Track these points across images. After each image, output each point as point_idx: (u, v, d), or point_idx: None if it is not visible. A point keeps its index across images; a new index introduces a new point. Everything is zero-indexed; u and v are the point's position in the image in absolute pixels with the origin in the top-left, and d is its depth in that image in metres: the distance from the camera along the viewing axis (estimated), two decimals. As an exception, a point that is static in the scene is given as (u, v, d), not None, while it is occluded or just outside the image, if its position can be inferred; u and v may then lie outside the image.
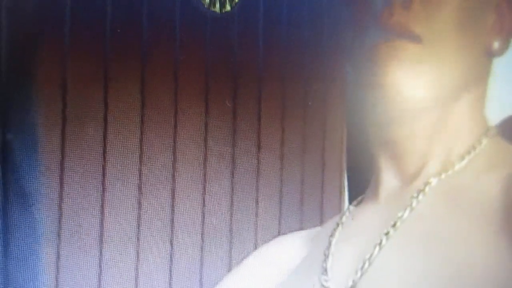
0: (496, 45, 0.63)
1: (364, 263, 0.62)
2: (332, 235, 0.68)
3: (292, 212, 1.01)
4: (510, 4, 0.64)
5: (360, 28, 0.62)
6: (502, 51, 0.64)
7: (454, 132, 0.63)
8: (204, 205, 0.95)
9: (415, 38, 0.59)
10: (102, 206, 0.87)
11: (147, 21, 0.90)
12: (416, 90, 0.60)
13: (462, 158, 0.63)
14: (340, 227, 0.69)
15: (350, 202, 0.77)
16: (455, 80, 0.62)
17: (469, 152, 0.63)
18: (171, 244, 0.92)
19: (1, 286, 0.81)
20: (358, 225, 0.68)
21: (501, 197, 0.57)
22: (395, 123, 0.63)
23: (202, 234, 0.94)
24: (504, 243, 0.54)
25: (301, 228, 1.00)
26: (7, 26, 0.81)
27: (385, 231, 0.62)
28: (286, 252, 0.74)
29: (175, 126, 0.93)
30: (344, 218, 0.70)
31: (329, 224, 0.73)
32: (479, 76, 0.64)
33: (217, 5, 0.95)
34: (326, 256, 0.66)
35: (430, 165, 0.64)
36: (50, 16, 0.85)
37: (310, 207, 1.02)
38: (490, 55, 0.64)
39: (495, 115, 0.64)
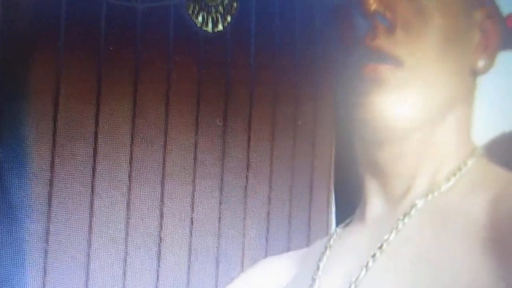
0: (481, 63, 0.64)
1: (350, 286, 0.61)
2: (320, 259, 0.68)
3: (280, 231, 1.01)
4: (493, 22, 0.64)
5: (346, 49, 0.63)
6: (487, 69, 0.64)
7: (440, 153, 0.63)
8: (192, 224, 0.95)
9: (397, 62, 0.60)
10: (90, 222, 0.87)
11: (140, 40, 0.91)
12: (401, 112, 0.61)
13: (448, 179, 0.63)
14: (328, 251, 0.68)
15: (337, 222, 0.77)
16: (440, 101, 0.62)
17: (454, 173, 0.63)
18: (158, 262, 0.92)
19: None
20: (345, 248, 0.67)
21: (487, 218, 0.57)
22: (381, 144, 0.63)
23: (190, 253, 0.94)
24: (490, 265, 0.54)
25: (288, 247, 1.00)
26: (0, 41, 0.82)
27: (372, 253, 0.62)
28: (273, 274, 0.74)
29: (165, 144, 0.93)
30: (332, 241, 0.70)
31: (317, 246, 0.73)
32: (464, 95, 0.64)
33: (210, 25, 0.96)
34: (313, 280, 0.66)
35: (416, 186, 0.64)
36: (43, 33, 0.85)
37: (298, 226, 1.02)
38: (475, 73, 0.64)
39: (481, 135, 0.65)
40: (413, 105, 0.61)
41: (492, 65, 0.64)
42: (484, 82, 0.64)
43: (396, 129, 0.62)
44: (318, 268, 0.67)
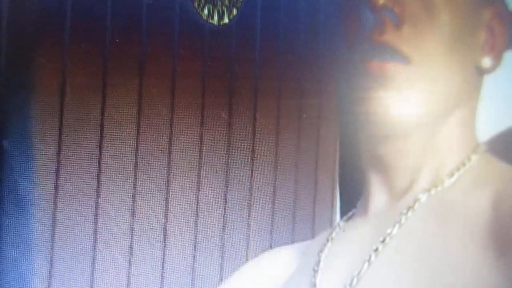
0: (487, 62, 0.64)
1: (352, 279, 0.62)
2: (321, 251, 0.68)
3: (284, 224, 1.01)
4: (501, 22, 0.64)
5: (352, 44, 0.63)
6: (493, 68, 0.64)
7: (444, 148, 0.64)
8: (197, 216, 0.95)
9: (404, 59, 0.60)
10: (96, 215, 0.88)
11: (146, 32, 0.91)
12: (405, 108, 0.61)
13: (451, 174, 0.63)
14: (330, 243, 0.69)
15: (342, 215, 0.77)
16: (445, 97, 0.62)
17: (458, 169, 0.63)
18: (164, 253, 0.93)
19: (-7, 291, 0.81)
20: (347, 241, 0.68)
21: (489, 214, 0.57)
22: (384, 139, 0.64)
23: (195, 244, 0.95)
24: (492, 260, 0.54)
25: (293, 240, 1.00)
26: (6, 34, 0.82)
27: (374, 247, 0.62)
28: (276, 265, 0.74)
29: (171, 136, 0.93)
30: (334, 234, 0.70)
31: (320, 239, 0.73)
32: (469, 93, 0.64)
33: (215, 18, 0.96)
34: (315, 272, 0.66)
35: (419, 181, 0.64)
36: (49, 25, 0.85)
37: (302, 219, 1.02)
38: (481, 72, 0.65)
39: (485, 131, 0.65)
40: (418, 102, 0.62)
41: (498, 64, 0.64)
42: (489, 79, 0.64)
43: (401, 125, 0.63)
44: (319, 260, 0.68)
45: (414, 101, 0.61)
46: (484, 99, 0.65)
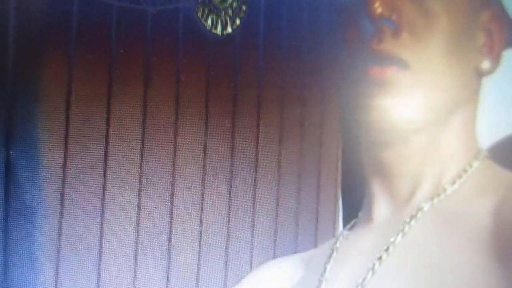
0: (486, 65, 0.64)
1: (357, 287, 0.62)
2: (327, 262, 0.68)
3: (287, 232, 1.01)
4: (499, 24, 0.64)
5: (352, 52, 0.63)
6: (492, 70, 0.64)
7: (445, 154, 0.63)
8: (201, 225, 0.95)
9: (403, 65, 0.60)
10: (101, 224, 0.88)
11: (150, 43, 0.92)
12: (406, 114, 0.61)
13: (453, 182, 0.63)
14: (335, 253, 0.69)
15: (344, 223, 0.77)
16: (445, 102, 0.62)
17: (460, 176, 0.63)
18: (168, 262, 0.93)
19: (0, 299, 0.82)
20: (352, 250, 0.68)
21: (492, 222, 0.57)
22: (386, 146, 0.64)
23: (199, 253, 0.95)
24: (494, 268, 0.54)
25: (296, 248, 1.00)
26: (12, 44, 0.83)
27: (378, 255, 0.62)
28: (280, 275, 0.74)
29: (175, 146, 0.94)
30: (338, 244, 0.70)
31: (324, 248, 0.73)
32: (469, 96, 0.64)
33: (219, 28, 0.97)
34: (320, 282, 0.66)
35: (422, 189, 0.64)
36: (55, 36, 0.86)
37: (305, 227, 1.03)
38: (480, 75, 0.65)
39: (486, 137, 0.65)
40: (418, 107, 0.62)
41: (497, 66, 0.64)
42: (489, 83, 0.64)
43: (401, 131, 0.63)
44: (325, 270, 0.68)
45: (414, 106, 0.61)
46: (486, 105, 0.64)
